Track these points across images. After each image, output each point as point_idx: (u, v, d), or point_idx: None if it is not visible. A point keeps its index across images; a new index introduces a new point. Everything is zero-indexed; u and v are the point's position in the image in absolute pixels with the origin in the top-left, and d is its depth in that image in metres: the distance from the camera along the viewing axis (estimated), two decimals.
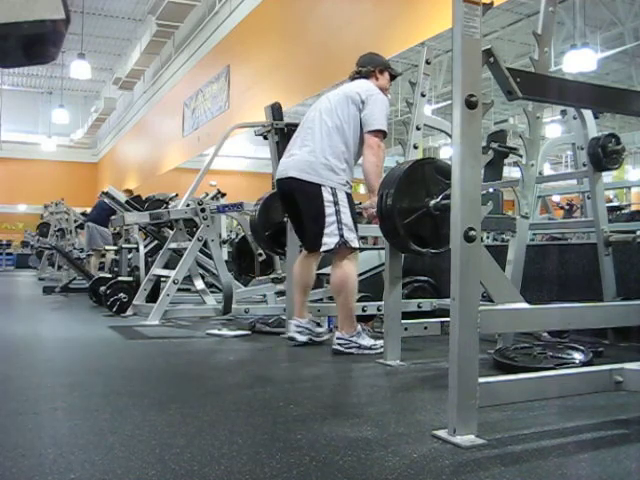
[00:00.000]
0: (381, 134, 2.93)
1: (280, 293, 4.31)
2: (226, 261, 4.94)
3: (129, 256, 5.99)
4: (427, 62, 3.16)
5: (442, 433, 1.56)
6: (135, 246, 5.60)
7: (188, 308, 4.42)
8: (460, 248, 1.52)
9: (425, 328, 3.04)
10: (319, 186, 2.90)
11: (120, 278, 4.98)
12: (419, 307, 3.69)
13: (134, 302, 4.47)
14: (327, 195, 2.89)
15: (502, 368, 2.42)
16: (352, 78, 3.17)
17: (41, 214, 12.65)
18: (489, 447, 1.48)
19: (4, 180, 20.18)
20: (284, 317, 3.66)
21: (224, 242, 6.45)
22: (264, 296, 4.48)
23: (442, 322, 3.06)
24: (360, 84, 3.06)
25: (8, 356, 2.95)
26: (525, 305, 1.79)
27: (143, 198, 6.65)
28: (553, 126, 12.58)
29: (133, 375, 2.54)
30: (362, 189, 14.91)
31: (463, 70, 1.54)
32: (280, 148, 3.90)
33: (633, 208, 10.08)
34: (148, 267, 4.93)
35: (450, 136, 1.65)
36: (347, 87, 3.10)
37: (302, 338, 3.13)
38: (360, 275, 3.04)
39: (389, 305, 2.69)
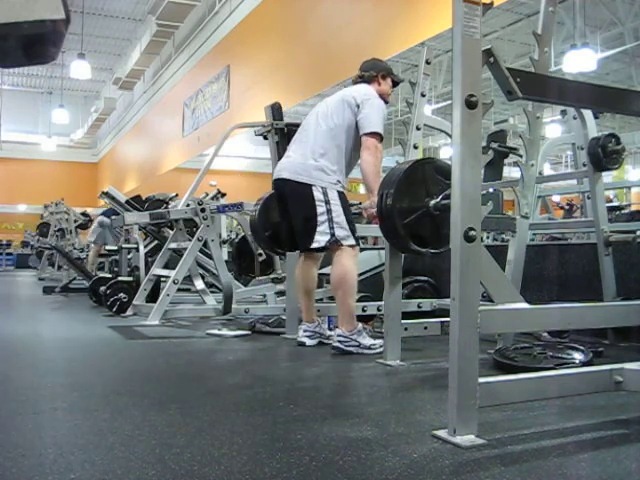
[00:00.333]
0: (377, 136, 2.96)
1: (280, 293, 4.31)
2: (226, 261, 4.94)
3: (129, 256, 5.99)
4: (427, 62, 3.16)
5: (442, 433, 1.56)
6: (135, 246, 5.60)
7: (188, 308, 4.42)
8: (460, 248, 1.52)
9: (425, 328, 3.04)
10: (310, 186, 2.94)
11: (120, 278, 4.98)
12: (419, 307, 3.70)
13: (134, 302, 4.47)
14: (318, 194, 2.93)
15: (502, 368, 2.42)
16: (355, 82, 3.21)
17: (41, 214, 12.66)
18: (489, 447, 1.48)
19: (4, 180, 20.18)
20: (284, 317, 3.66)
21: (224, 242, 6.45)
22: (264, 296, 4.48)
23: (442, 322, 3.06)
24: (358, 88, 3.10)
25: (8, 356, 2.95)
26: (525, 305, 1.79)
27: (143, 198, 6.64)
28: (553, 126, 12.59)
29: (133, 375, 2.54)
30: (362, 189, 14.92)
31: (463, 70, 1.54)
32: (280, 148, 3.90)
33: (633, 208, 10.08)
34: (148, 267, 4.93)
35: (450, 136, 1.65)
36: (345, 91, 3.14)
37: (312, 342, 3.17)
38: (360, 275, 3.05)
39: (389, 305, 2.69)
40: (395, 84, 3.26)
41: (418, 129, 3.13)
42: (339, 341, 2.92)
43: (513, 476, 1.31)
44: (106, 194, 5.70)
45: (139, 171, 16.35)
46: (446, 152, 15.79)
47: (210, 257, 4.54)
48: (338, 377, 2.54)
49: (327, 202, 2.93)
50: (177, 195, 6.77)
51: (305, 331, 3.18)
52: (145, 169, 15.67)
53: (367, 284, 3.92)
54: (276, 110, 3.97)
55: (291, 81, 8.08)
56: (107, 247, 7.65)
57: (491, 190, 4.70)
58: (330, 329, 3.32)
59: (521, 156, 3.32)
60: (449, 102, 1.62)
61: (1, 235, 18.78)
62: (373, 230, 3.39)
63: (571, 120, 3.55)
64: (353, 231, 2.97)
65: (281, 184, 3.09)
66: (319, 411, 1.88)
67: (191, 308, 4.45)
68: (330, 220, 2.92)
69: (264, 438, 1.60)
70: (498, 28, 10.99)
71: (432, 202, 2.42)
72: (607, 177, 3.59)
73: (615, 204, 8.67)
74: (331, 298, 3.74)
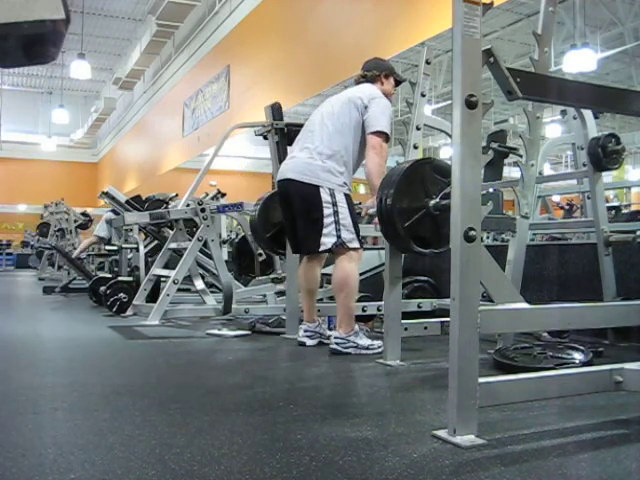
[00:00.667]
0: (384, 136, 2.95)
1: (280, 293, 4.31)
2: (226, 261, 4.94)
3: (129, 256, 5.99)
4: (427, 62, 3.16)
5: (442, 433, 1.56)
6: (135, 246, 5.60)
7: (188, 308, 4.42)
8: (460, 248, 1.52)
9: (425, 328, 3.04)
10: (317, 187, 2.91)
11: (120, 278, 4.98)
12: (419, 307, 3.69)
13: (134, 302, 4.47)
14: (325, 196, 2.90)
15: (502, 368, 2.42)
16: (357, 82, 3.20)
17: (41, 214, 12.65)
18: (489, 447, 1.48)
19: (4, 180, 20.18)
20: (284, 317, 3.66)
21: (224, 242, 6.44)
22: (264, 296, 4.48)
23: (442, 322, 3.06)
24: (363, 88, 3.08)
25: (8, 356, 2.95)
26: (525, 305, 1.79)
27: (143, 198, 6.64)
28: (553, 126, 12.59)
29: (133, 375, 2.54)
30: (362, 189, 14.92)
31: (463, 70, 1.54)
32: (280, 148, 3.90)
33: (633, 208, 10.08)
34: (148, 267, 4.93)
35: (450, 136, 1.65)
36: (350, 91, 3.12)
37: (312, 342, 3.16)
38: (360, 275, 3.05)
39: (389, 305, 2.69)
40: (397, 83, 3.25)
41: (418, 129, 3.13)
42: (336, 343, 2.92)
43: (513, 476, 1.31)
44: (106, 194, 5.69)
45: (139, 171, 16.35)
46: (446, 152, 15.79)
47: (210, 257, 4.54)
48: (338, 377, 2.54)
49: (334, 204, 2.91)
50: (177, 195, 6.77)
51: (306, 331, 3.18)
52: (145, 169, 15.67)
53: (367, 284, 3.92)
54: (276, 110, 3.97)
55: (291, 81, 8.08)
56: (107, 247, 7.64)
57: (491, 190, 4.70)
58: (330, 329, 3.32)
59: (521, 156, 3.32)
60: (449, 102, 1.62)
61: (1, 235, 18.78)
62: (373, 230, 3.39)
63: (571, 120, 3.55)
64: (358, 233, 2.97)
65: (286, 185, 3.04)
66: (319, 411, 1.88)
67: (191, 308, 4.44)
68: (337, 222, 2.90)
69: (264, 438, 1.60)
70: (498, 28, 10.99)
71: (432, 202, 2.42)
72: (607, 177, 3.58)
73: (613, 204, 8.65)
74: (331, 298, 3.75)
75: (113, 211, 8.16)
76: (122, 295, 4.58)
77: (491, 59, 1.70)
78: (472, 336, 1.53)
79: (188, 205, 4.43)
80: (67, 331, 4.00)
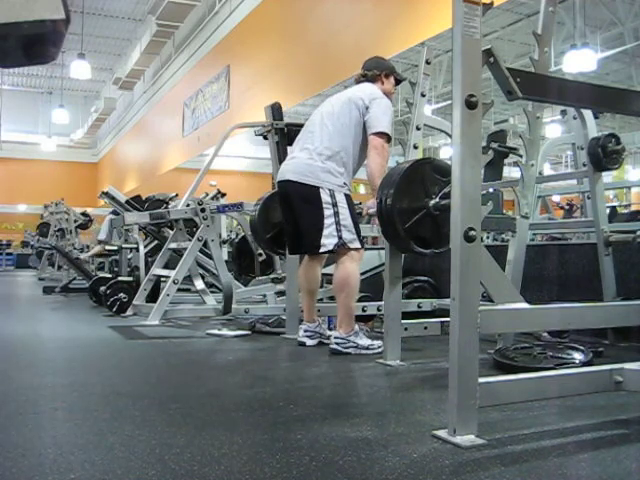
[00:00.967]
0: (385, 136, 2.95)
1: (280, 293, 4.31)
2: (226, 261, 4.94)
3: (129, 256, 5.99)
4: (427, 62, 3.16)
5: (442, 433, 1.56)
6: (135, 246, 5.60)
7: (188, 308, 4.42)
8: (460, 248, 1.52)
9: (425, 328, 3.04)
10: (317, 188, 2.91)
11: (120, 278, 4.98)
12: (419, 307, 3.69)
13: (134, 302, 4.47)
14: (325, 197, 2.90)
15: (502, 368, 2.42)
16: (358, 81, 3.18)
17: (41, 214, 12.65)
18: (489, 447, 1.48)
19: (4, 180, 20.18)
20: (284, 317, 3.66)
21: (224, 242, 6.44)
22: (264, 296, 4.48)
23: (442, 322, 3.06)
24: (364, 88, 3.07)
25: (8, 356, 2.95)
26: (525, 305, 1.79)
27: (143, 198, 6.64)
28: (553, 126, 12.58)
29: (133, 375, 2.55)
30: (362, 189, 14.91)
31: (463, 70, 1.54)
32: (280, 148, 3.90)
33: (633, 208, 10.07)
34: (148, 267, 4.93)
35: (450, 136, 1.65)
36: (351, 91, 3.11)
37: (312, 342, 3.16)
38: (360, 275, 3.05)
39: (389, 305, 2.69)
40: (398, 82, 3.25)
41: (418, 129, 3.13)
42: (336, 343, 2.92)
43: (513, 476, 1.31)
44: (106, 194, 5.70)
45: (139, 171, 16.35)
46: (446, 152, 15.78)
47: (210, 257, 4.54)
48: (338, 377, 2.54)
49: (335, 205, 2.91)
50: (177, 195, 6.77)
51: (306, 331, 3.18)
52: (145, 169, 15.67)
53: (367, 284, 3.92)
54: (276, 110, 3.97)
55: (291, 81, 8.08)
56: (107, 247, 7.64)
57: (491, 190, 4.70)
58: (330, 329, 3.32)
59: (521, 156, 3.32)
60: (449, 102, 1.62)
61: (1, 235, 18.77)
62: (373, 230, 3.39)
63: (571, 120, 3.55)
64: (359, 234, 2.96)
65: (286, 186, 3.04)
66: (319, 411, 1.88)
67: (191, 308, 4.44)
68: (337, 223, 2.89)
69: (264, 438, 1.60)
70: (498, 28, 10.99)
71: (432, 202, 2.42)
72: (607, 177, 3.58)
73: (607, 204, 8.63)
74: (331, 298, 3.75)
75: (114, 212, 8.16)
76: (122, 295, 4.58)
77: (491, 59, 1.70)
78: (472, 336, 1.53)
79: (188, 205, 4.43)
80: (67, 331, 4.00)
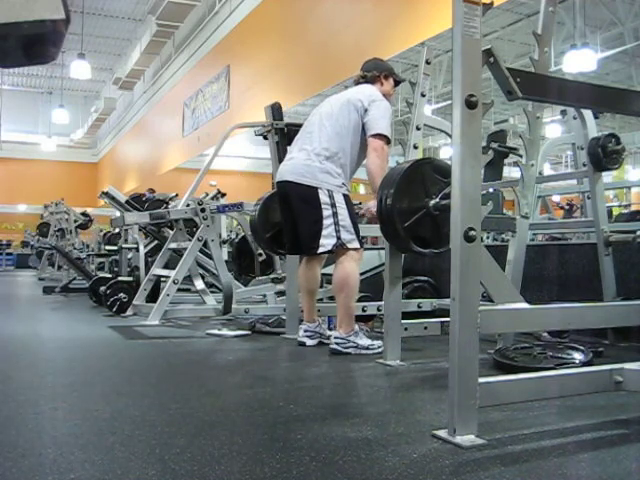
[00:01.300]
0: (385, 138, 2.95)
1: (280, 293, 4.31)
2: (226, 261, 4.94)
3: (129, 256, 5.99)
4: (427, 62, 3.16)
5: (442, 433, 1.56)
6: (135, 246, 5.60)
7: (188, 308, 4.42)
8: (460, 248, 1.52)
9: (425, 328, 3.04)
10: (315, 189, 2.91)
11: (120, 278, 4.98)
12: (419, 307, 3.69)
13: (134, 302, 4.47)
14: (324, 197, 2.90)
15: (502, 368, 2.42)
16: (357, 83, 3.19)
17: (41, 214, 12.65)
18: (489, 447, 1.48)
19: (4, 180, 20.18)
20: (284, 317, 3.66)
21: (224, 242, 6.45)
22: (264, 296, 4.48)
23: (442, 322, 3.06)
24: (363, 90, 3.07)
25: (8, 356, 2.95)
26: (525, 305, 1.79)
27: (143, 198, 6.64)
28: (553, 126, 12.58)
29: (133, 375, 2.54)
30: (362, 189, 14.91)
31: (463, 70, 1.54)
32: (280, 148, 3.90)
33: (633, 208, 10.07)
34: (148, 267, 4.93)
35: (450, 136, 1.65)
36: (350, 92, 3.11)
37: (312, 342, 3.17)
38: (360, 275, 3.05)
39: (389, 305, 2.69)
40: (397, 83, 3.25)
41: (418, 129, 3.13)
42: (336, 343, 2.92)
43: (513, 476, 1.31)
44: (106, 194, 5.70)
45: (139, 171, 16.35)
46: (446, 152, 15.78)
47: (210, 257, 4.54)
48: (338, 377, 2.54)
49: (333, 205, 2.91)
50: (177, 195, 6.77)
51: (306, 331, 3.18)
52: (145, 169, 15.67)
53: (367, 284, 3.92)
54: (276, 110, 3.97)
55: (291, 81, 8.08)
56: (107, 247, 7.64)
57: (491, 190, 4.70)
58: (330, 329, 3.32)
59: (521, 156, 3.32)
60: (449, 102, 1.62)
61: (1, 235, 18.79)
62: (373, 230, 3.39)
63: (571, 120, 3.55)
64: (358, 234, 2.97)
65: (285, 187, 3.04)
66: (319, 411, 1.88)
67: (191, 308, 4.45)
68: (336, 224, 2.90)
69: (264, 438, 1.60)
70: (498, 28, 10.99)
71: (432, 202, 2.42)
72: (607, 177, 3.58)
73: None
74: (331, 298, 3.75)
75: None
76: (122, 295, 4.58)
77: (491, 59, 1.70)
78: (472, 336, 1.53)
79: (188, 205, 4.43)
80: (67, 331, 4.00)
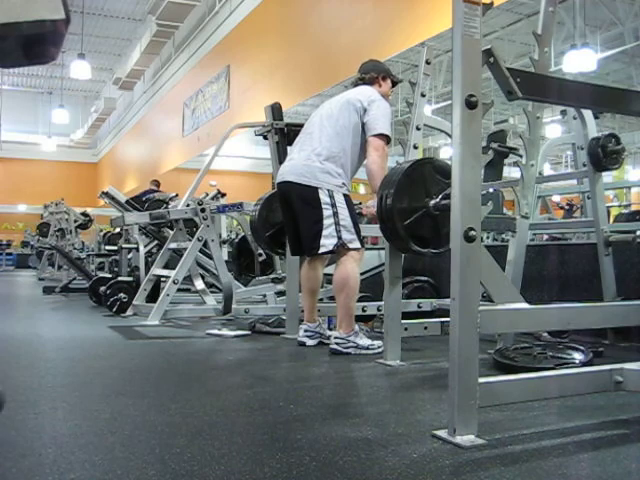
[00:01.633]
0: (385, 138, 2.96)
1: (280, 293, 4.31)
2: (226, 261, 4.94)
3: (129, 256, 5.99)
4: (427, 62, 3.16)
5: (442, 433, 1.56)
6: (135, 246, 5.60)
7: (188, 308, 4.42)
8: (460, 248, 1.52)
9: (425, 328, 3.04)
10: (316, 189, 2.92)
11: (120, 278, 4.98)
12: (419, 307, 3.69)
13: (134, 302, 4.47)
14: (324, 197, 2.91)
15: (502, 368, 2.42)
16: (355, 85, 3.20)
17: (41, 214, 12.65)
18: (489, 447, 1.48)
19: (4, 180, 20.18)
20: (284, 317, 3.66)
21: (224, 242, 6.45)
22: (264, 296, 4.48)
23: (442, 322, 3.06)
24: (362, 91, 3.08)
25: (8, 356, 2.95)
26: (525, 305, 1.79)
27: (143, 198, 6.64)
28: (553, 126, 12.58)
29: (133, 375, 2.54)
30: (362, 189, 14.91)
31: (463, 70, 1.54)
32: (280, 148, 3.90)
33: (633, 208, 10.06)
34: (148, 267, 4.93)
35: (450, 136, 1.65)
36: (349, 93, 3.12)
37: (312, 342, 3.17)
38: (360, 275, 3.05)
39: (389, 305, 2.69)
40: (394, 84, 3.26)
41: (418, 129, 3.13)
42: (336, 343, 2.92)
43: (513, 476, 1.31)
44: (106, 194, 5.70)
45: (139, 171, 16.35)
46: (446, 152, 15.78)
47: (210, 257, 4.54)
48: (338, 377, 2.54)
49: (333, 205, 2.91)
50: (177, 195, 6.77)
51: (306, 331, 3.18)
52: (145, 169, 15.66)
53: (367, 284, 3.92)
54: (276, 110, 3.97)
55: (291, 81, 8.08)
56: (107, 247, 7.64)
57: (491, 190, 4.70)
58: (330, 329, 3.32)
59: (521, 156, 3.33)
60: (449, 102, 1.62)
61: (1, 235, 18.78)
62: (373, 230, 3.39)
63: (571, 120, 3.55)
64: (359, 233, 2.97)
65: (285, 187, 3.05)
66: (319, 411, 1.88)
67: (191, 308, 4.45)
68: (337, 224, 2.90)
69: (264, 438, 1.60)
70: (498, 28, 10.99)
71: (432, 202, 2.42)
72: (607, 177, 3.58)
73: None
74: (331, 298, 3.74)
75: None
76: (122, 295, 4.58)
77: (491, 59, 1.70)
78: (472, 336, 1.53)
79: (188, 205, 4.43)
80: (67, 331, 4.00)
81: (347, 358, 2.83)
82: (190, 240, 4.35)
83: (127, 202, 5.78)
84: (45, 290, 7.13)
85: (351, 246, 2.91)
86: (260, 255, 4.97)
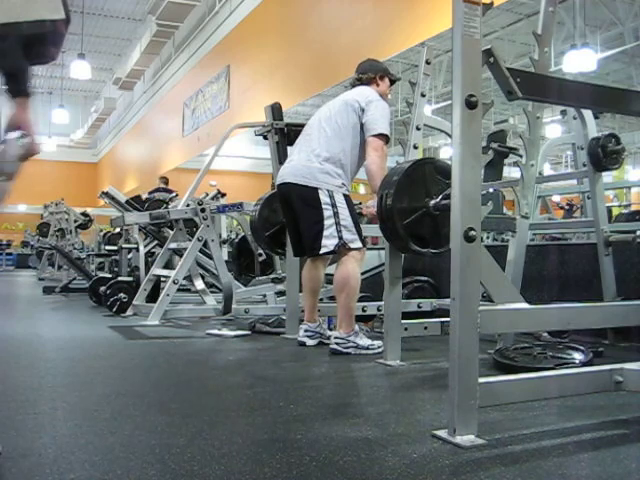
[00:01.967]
0: (384, 138, 2.96)
1: (280, 293, 4.31)
2: (226, 261, 4.94)
3: (129, 256, 5.99)
4: (427, 62, 3.16)
5: (442, 433, 1.56)
6: (135, 246, 5.60)
7: (188, 308, 4.42)
8: (460, 248, 1.52)
9: (425, 328, 3.04)
10: (316, 189, 2.92)
11: (120, 278, 4.98)
12: (419, 307, 3.69)
13: (134, 302, 4.47)
14: (324, 198, 2.91)
15: (502, 368, 2.42)
16: (353, 85, 3.20)
17: (41, 214, 12.65)
18: (489, 447, 1.48)
19: None
20: (284, 317, 3.66)
21: (224, 242, 6.45)
22: (264, 296, 4.48)
23: (442, 322, 3.06)
24: (360, 91, 3.09)
25: (8, 356, 2.95)
26: (525, 305, 1.79)
27: (143, 198, 6.64)
28: (553, 126, 12.58)
29: (133, 375, 2.55)
30: (362, 189, 14.91)
31: (463, 70, 1.54)
32: (280, 148, 3.90)
33: (633, 208, 10.06)
34: (148, 267, 4.93)
35: (450, 136, 1.65)
36: (347, 95, 3.13)
37: (312, 342, 3.17)
38: (360, 275, 3.05)
39: (389, 305, 2.69)
40: (392, 83, 3.26)
41: (418, 129, 3.13)
42: (336, 343, 2.92)
43: (513, 476, 1.31)
44: (106, 194, 5.70)
45: (139, 171, 16.35)
46: (446, 152, 15.78)
47: (210, 257, 4.54)
48: (338, 377, 2.54)
49: (334, 205, 2.92)
50: (177, 195, 6.77)
51: (306, 331, 3.18)
52: (145, 169, 15.67)
53: (367, 284, 3.92)
54: (276, 110, 3.97)
55: (291, 81, 8.08)
56: (107, 247, 7.64)
57: (491, 190, 4.70)
58: (330, 329, 3.32)
59: (521, 156, 3.32)
60: (449, 102, 1.62)
61: (1, 235, 18.79)
62: (373, 230, 3.39)
63: (571, 120, 3.55)
64: (359, 233, 2.97)
65: (286, 188, 3.06)
66: (319, 411, 1.88)
67: (191, 308, 4.45)
68: (337, 224, 2.90)
69: (264, 438, 1.60)
70: (498, 28, 10.98)
71: (432, 202, 2.42)
72: (607, 177, 3.58)
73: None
74: (332, 298, 3.75)
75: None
76: (122, 295, 4.58)
77: (491, 59, 1.70)
78: (472, 336, 1.53)
79: (188, 205, 4.43)
80: (67, 331, 4.00)
81: (347, 358, 2.83)
82: (190, 240, 4.35)
83: (127, 202, 5.78)
84: (45, 290, 7.13)
85: (352, 246, 2.92)
86: (260, 255, 4.97)
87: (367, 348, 2.92)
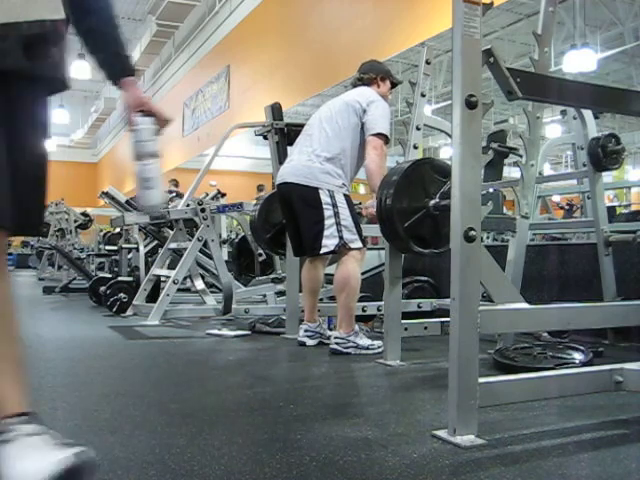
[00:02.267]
0: (384, 138, 2.96)
1: (280, 293, 4.31)
2: (226, 261, 4.94)
3: (129, 256, 5.99)
4: (427, 62, 3.15)
5: (442, 433, 1.55)
6: (135, 246, 5.60)
7: (188, 308, 4.42)
8: (460, 248, 1.52)
9: (425, 328, 3.04)
10: (316, 189, 2.92)
11: (120, 278, 4.98)
12: (419, 307, 3.69)
13: (134, 302, 4.47)
14: (325, 198, 2.91)
15: (502, 368, 2.42)
16: (354, 85, 3.20)
17: None
18: (489, 447, 1.48)
19: None
20: (284, 317, 3.66)
21: (224, 242, 6.45)
22: (264, 296, 4.48)
23: (442, 322, 3.06)
24: (361, 92, 3.09)
25: None
26: (525, 305, 1.79)
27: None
28: (553, 126, 12.58)
29: (133, 375, 2.54)
30: (362, 189, 14.91)
31: (463, 70, 1.54)
32: (280, 148, 3.90)
33: (633, 208, 10.07)
34: (148, 267, 4.93)
35: (450, 136, 1.65)
36: (348, 95, 3.13)
37: (312, 342, 3.17)
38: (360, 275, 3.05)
39: (389, 305, 2.69)
40: (393, 85, 3.27)
41: (418, 129, 3.13)
42: (336, 343, 2.92)
43: (513, 476, 1.31)
44: (106, 194, 5.70)
45: None
46: (446, 152, 15.78)
47: (210, 257, 4.54)
48: (338, 377, 2.54)
49: (334, 205, 2.92)
50: (177, 195, 6.77)
51: (306, 331, 3.18)
52: None
53: (367, 284, 3.92)
54: (276, 110, 3.98)
55: (291, 81, 8.09)
56: (107, 247, 7.64)
57: (491, 190, 4.70)
58: (330, 329, 3.32)
59: (521, 156, 3.32)
60: (449, 102, 1.62)
61: None
62: (373, 230, 3.39)
63: (571, 120, 3.55)
64: (360, 233, 2.97)
65: (286, 188, 3.05)
66: (319, 411, 1.88)
67: (191, 308, 4.45)
68: (338, 224, 2.90)
69: (264, 438, 1.60)
70: (498, 28, 10.99)
71: (432, 202, 2.42)
72: (607, 177, 3.58)
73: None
74: (332, 298, 3.75)
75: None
76: (122, 295, 4.58)
77: (491, 59, 1.70)
78: (472, 336, 1.53)
79: (188, 205, 4.43)
80: (67, 331, 4.00)
81: (347, 358, 2.83)
82: (190, 240, 4.35)
83: (127, 202, 5.78)
84: (45, 290, 7.13)
85: (352, 246, 2.92)
86: (260, 255, 4.97)
87: (367, 348, 2.92)
